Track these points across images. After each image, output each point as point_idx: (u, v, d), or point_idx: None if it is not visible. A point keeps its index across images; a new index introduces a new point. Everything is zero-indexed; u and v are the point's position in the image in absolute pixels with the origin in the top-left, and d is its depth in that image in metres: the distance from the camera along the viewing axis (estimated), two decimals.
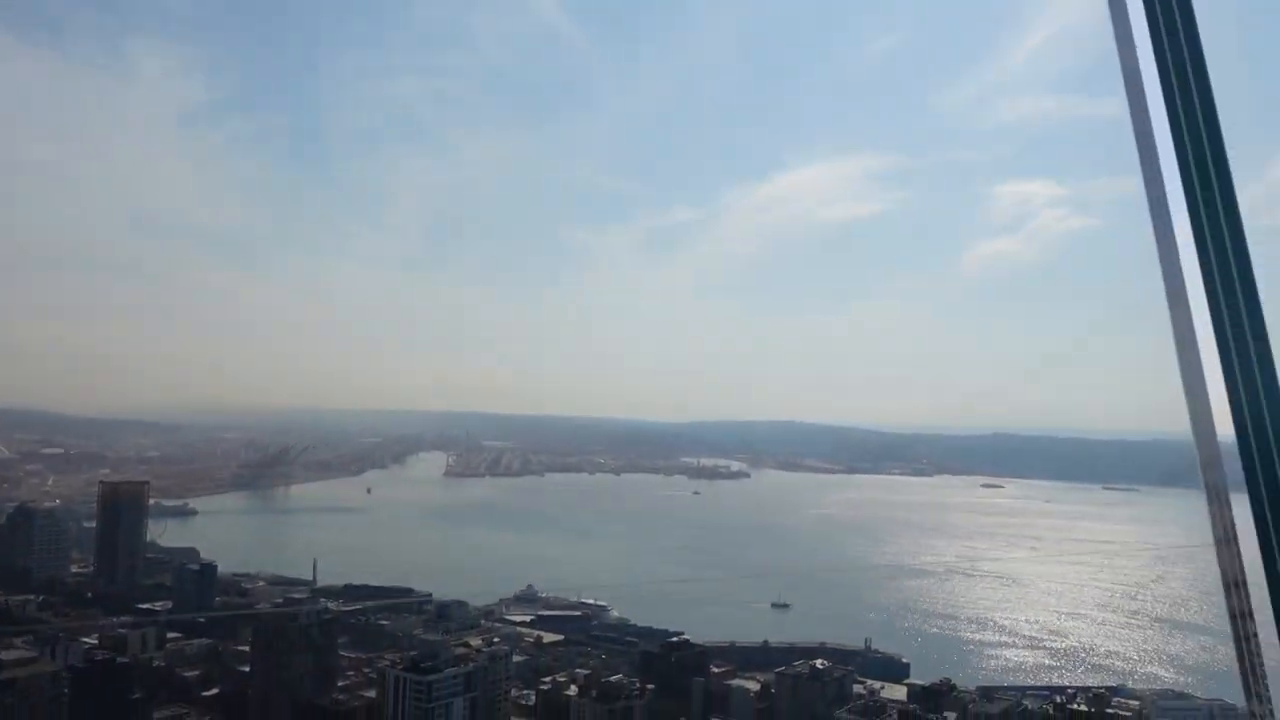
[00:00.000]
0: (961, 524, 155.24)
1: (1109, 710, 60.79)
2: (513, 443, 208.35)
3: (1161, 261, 6.94)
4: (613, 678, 75.96)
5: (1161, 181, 6.98)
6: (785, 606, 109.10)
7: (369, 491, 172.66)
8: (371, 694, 70.61)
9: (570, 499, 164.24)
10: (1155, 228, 6.99)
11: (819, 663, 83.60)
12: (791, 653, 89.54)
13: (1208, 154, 6.85)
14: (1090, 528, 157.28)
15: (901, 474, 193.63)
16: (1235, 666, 7.11)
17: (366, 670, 76.42)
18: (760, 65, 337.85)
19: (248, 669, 75.77)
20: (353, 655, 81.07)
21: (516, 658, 79.98)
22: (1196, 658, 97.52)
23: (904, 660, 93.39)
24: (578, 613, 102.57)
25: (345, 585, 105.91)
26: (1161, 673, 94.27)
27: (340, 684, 74.54)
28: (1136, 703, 66.90)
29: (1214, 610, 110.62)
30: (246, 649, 78.29)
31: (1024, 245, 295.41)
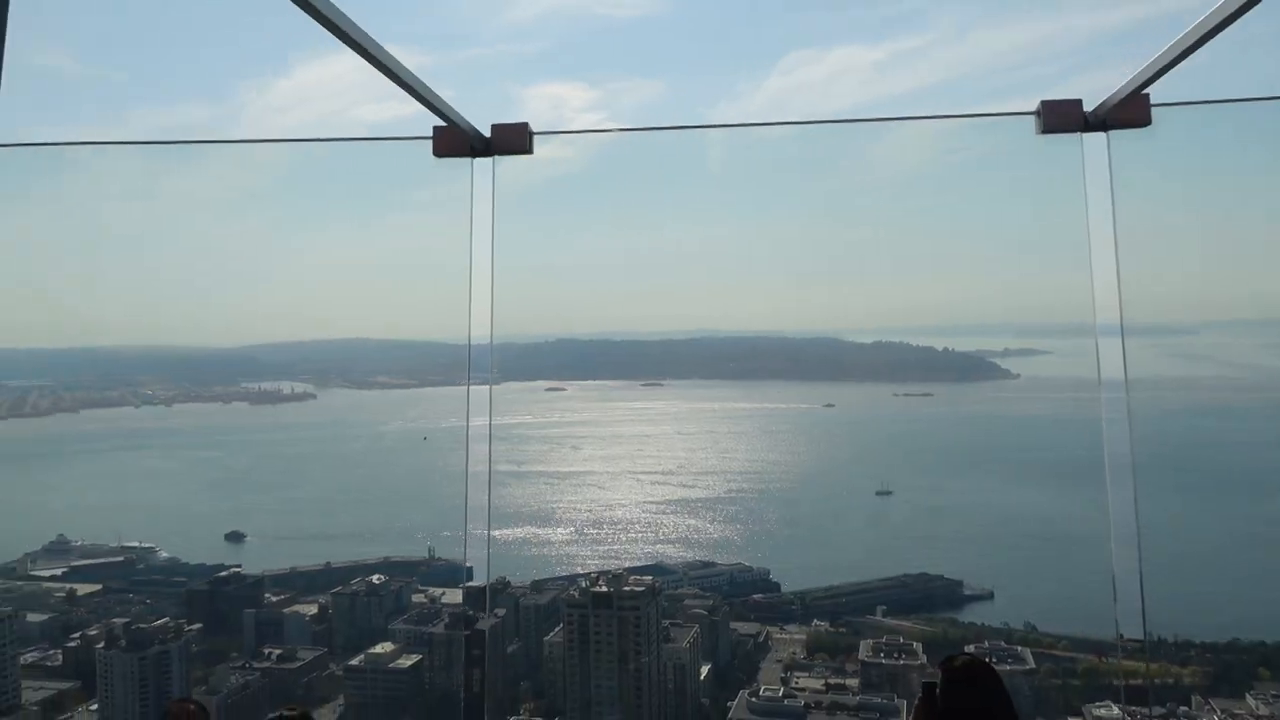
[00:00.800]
0: (526, 424, 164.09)
1: (625, 588, 68.17)
2: (47, 380, 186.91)
3: None
4: (156, 622, 72.26)
5: None
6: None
7: None
8: None
9: (108, 437, 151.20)
10: None
11: (376, 578, 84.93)
12: (354, 571, 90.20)
13: None
14: (633, 417, 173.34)
15: (472, 384, 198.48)
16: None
17: None
18: None
19: None
20: None
21: (37, 616, 73.46)
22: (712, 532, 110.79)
23: (467, 565, 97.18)
24: (119, 559, 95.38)
25: None
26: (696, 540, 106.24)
27: None
28: (649, 578, 75.55)
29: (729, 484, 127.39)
30: None
31: (565, 150, 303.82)
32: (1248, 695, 64.30)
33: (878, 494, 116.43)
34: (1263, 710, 62.48)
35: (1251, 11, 4.13)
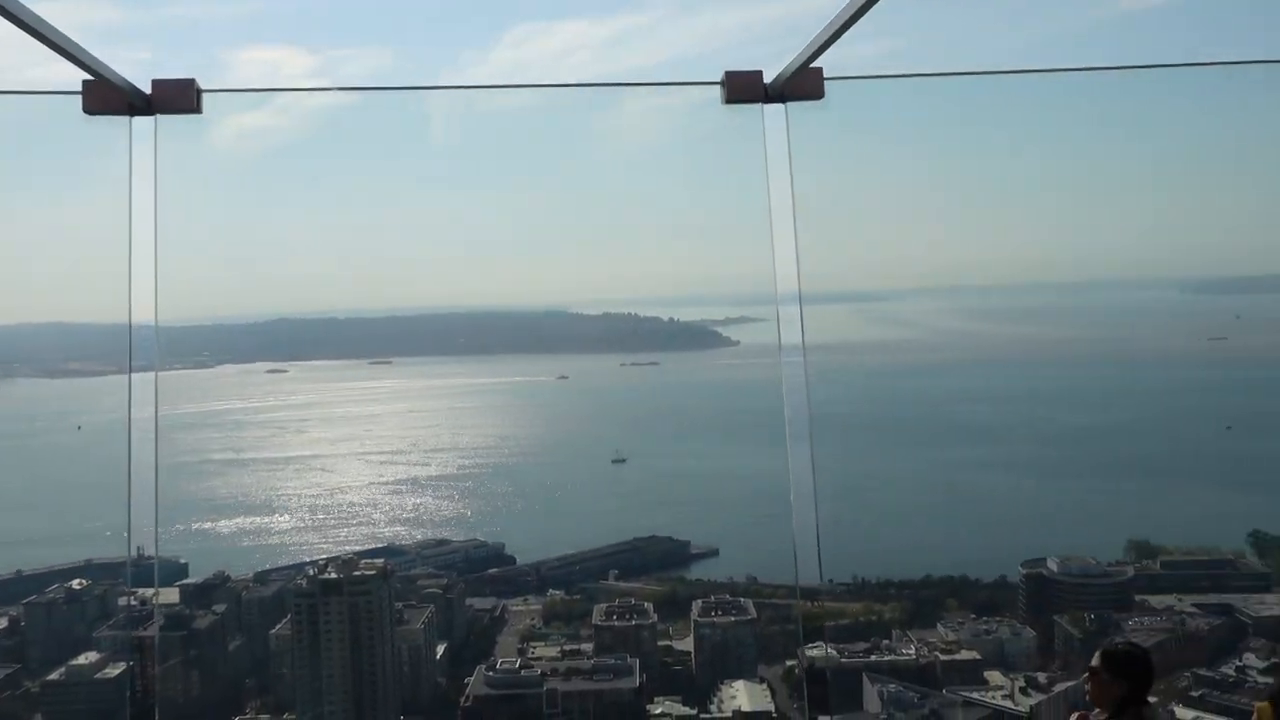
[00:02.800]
0: (243, 409, 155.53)
1: (356, 573, 66.26)
2: None
3: None
4: None
5: None
6: None
7: None
8: None
9: None
10: None
11: (77, 583, 78.13)
12: (50, 578, 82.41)
13: None
14: (361, 397, 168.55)
15: (184, 368, 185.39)
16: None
17: None
18: None
19: None
20: None
21: None
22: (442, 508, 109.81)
23: (181, 561, 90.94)
24: None
25: None
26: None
27: None
28: (381, 561, 73.88)
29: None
30: None
31: (280, 118, 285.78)
32: (938, 625, 71.30)
33: (613, 462, 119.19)
34: (950, 636, 69.51)
35: None
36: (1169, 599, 74.51)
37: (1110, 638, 57.40)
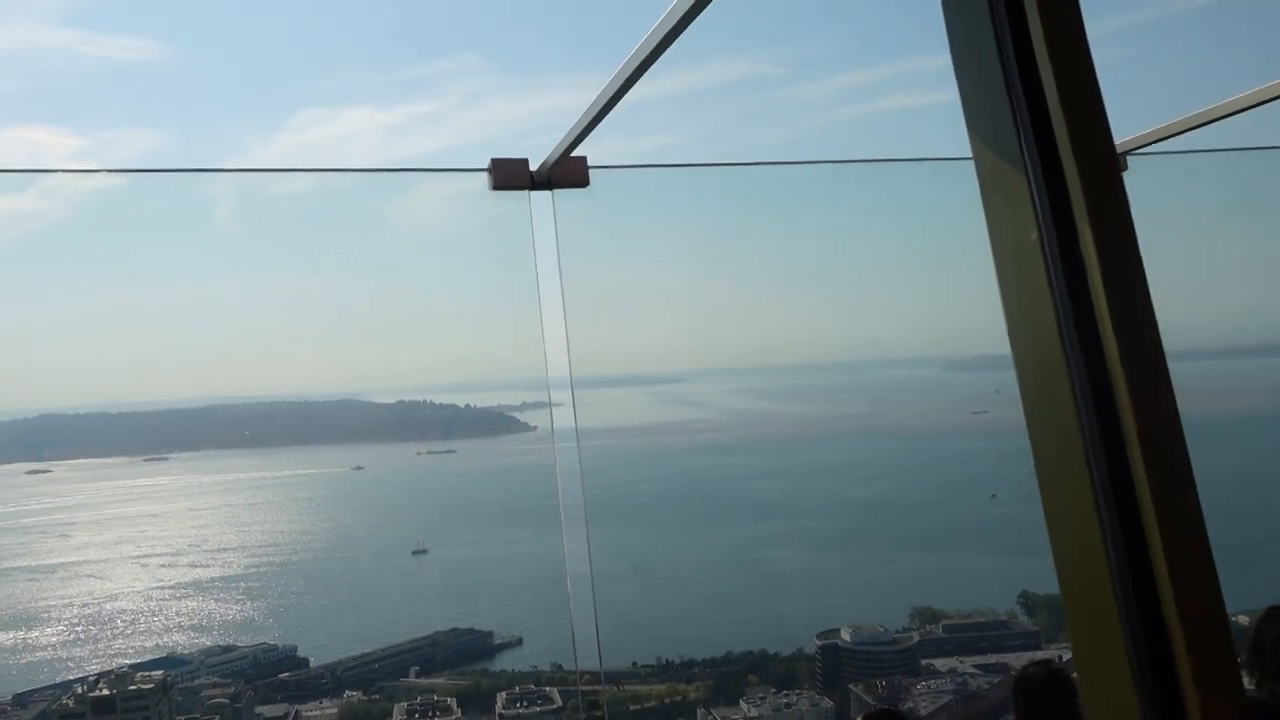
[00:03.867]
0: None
1: (131, 687, 61.13)
2: None
3: None
4: None
5: None
6: None
7: None
8: None
9: None
10: None
11: None
12: None
13: None
14: (135, 495, 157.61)
15: None
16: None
17: None
18: None
19: None
20: None
21: None
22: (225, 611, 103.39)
23: None
24: None
25: None
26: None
27: None
28: (160, 672, 68.66)
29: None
30: None
31: (44, 202, 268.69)
32: (740, 701, 72.21)
33: (414, 553, 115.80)
34: (752, 712, 70.46)
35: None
36: (952, 661, 78.36)
37: (872, 706, 59.83)
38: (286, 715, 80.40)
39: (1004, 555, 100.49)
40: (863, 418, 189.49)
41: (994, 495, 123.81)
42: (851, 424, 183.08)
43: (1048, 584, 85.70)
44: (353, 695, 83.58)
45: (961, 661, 77.63)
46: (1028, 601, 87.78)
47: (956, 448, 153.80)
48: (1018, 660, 78.77)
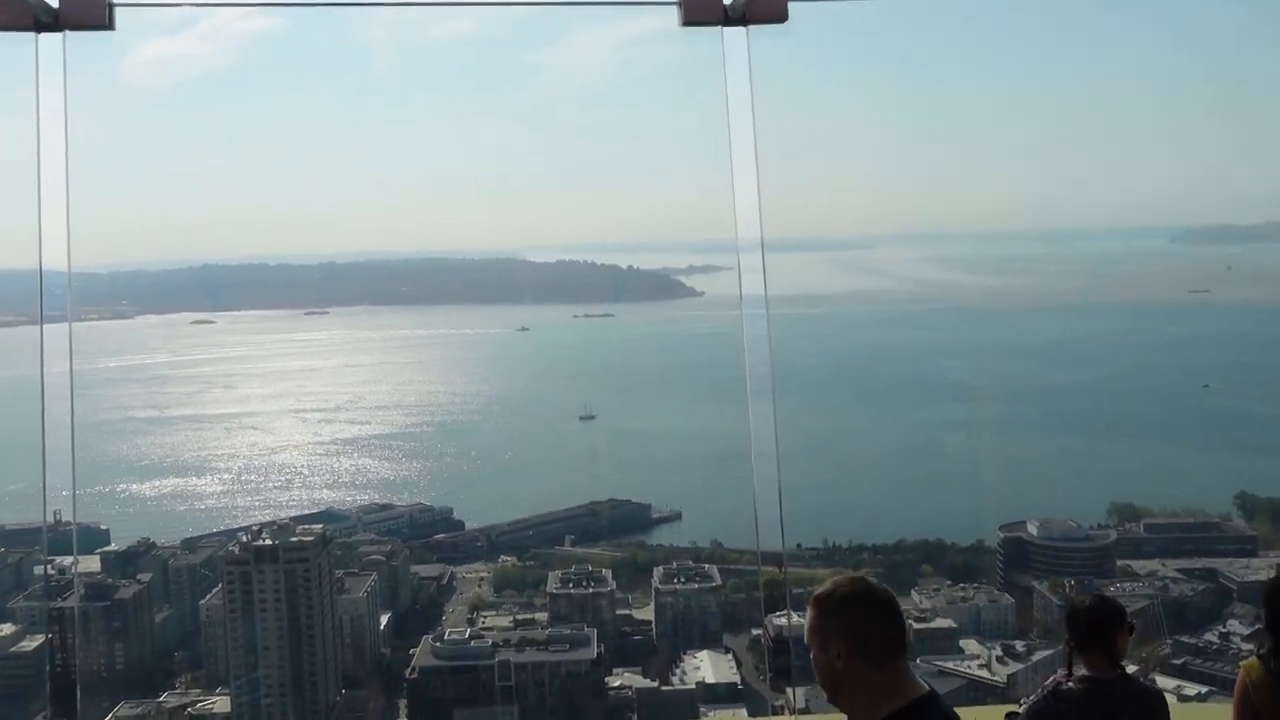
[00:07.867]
0: (166, 363, 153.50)
1: (292, 539, 66.09)
2: None
3: None
4: None
5: None
6: None
7: None
8: None
9: None
10: None
11: None
12: None
13: None
14: (295, 350, 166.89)
15: (100, 318, 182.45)
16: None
17: None
18: None
19: None
20: None
21: None
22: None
23: (101, 527, 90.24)
24: None
25: None
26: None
27: None
28: (319, 526, 73.72)
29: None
30: None
31: (205, 45, 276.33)
32: (913, 591, 72.47)
33: (581, 419, 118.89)
34: (925, 603, 70.77)
35: None
36: (1152, 564, 76.24)
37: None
38: (441, 575, 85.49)
39: (1217, 450, 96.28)
40: (1070, 293, 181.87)
41: (1206, 385, 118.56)
42: (1057, 300, 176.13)
43: (1269, 486, 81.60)
44: (507, 560, 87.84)
45: (1164, 564, 75.58)
46: (1246, 503, 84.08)
47: (1172, 330, 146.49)
48: (1229, 567, 76.09)
